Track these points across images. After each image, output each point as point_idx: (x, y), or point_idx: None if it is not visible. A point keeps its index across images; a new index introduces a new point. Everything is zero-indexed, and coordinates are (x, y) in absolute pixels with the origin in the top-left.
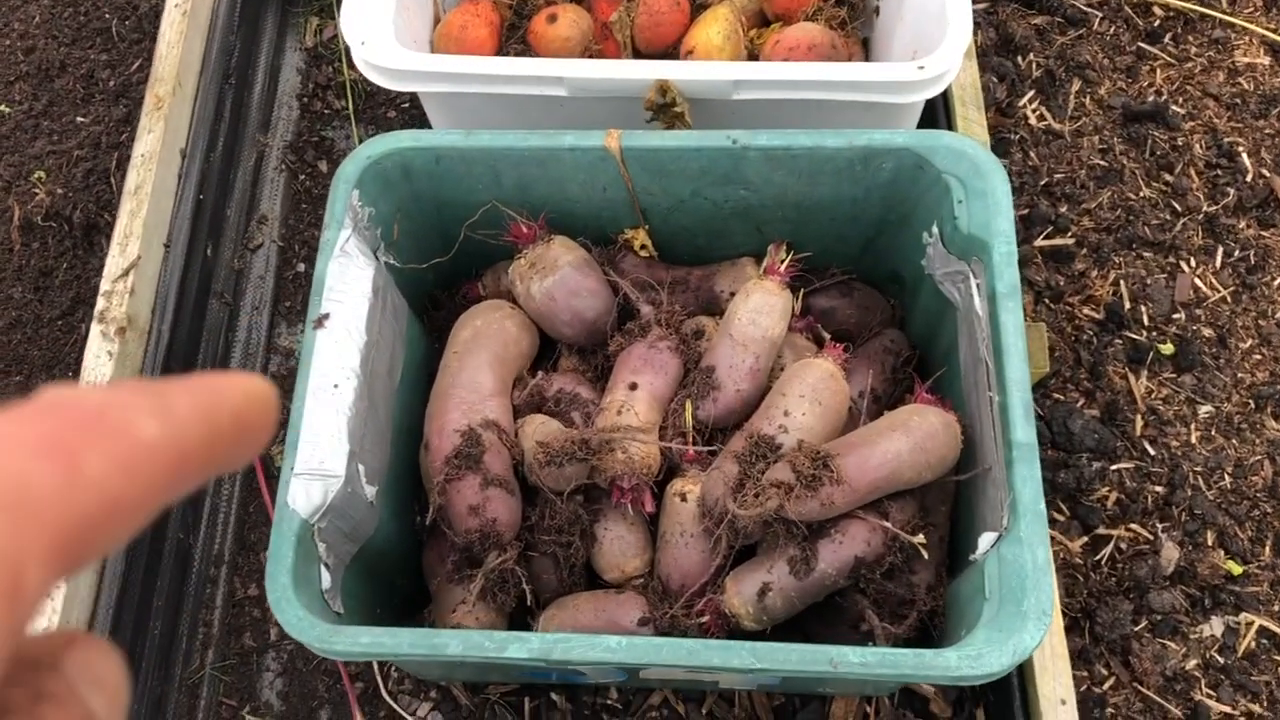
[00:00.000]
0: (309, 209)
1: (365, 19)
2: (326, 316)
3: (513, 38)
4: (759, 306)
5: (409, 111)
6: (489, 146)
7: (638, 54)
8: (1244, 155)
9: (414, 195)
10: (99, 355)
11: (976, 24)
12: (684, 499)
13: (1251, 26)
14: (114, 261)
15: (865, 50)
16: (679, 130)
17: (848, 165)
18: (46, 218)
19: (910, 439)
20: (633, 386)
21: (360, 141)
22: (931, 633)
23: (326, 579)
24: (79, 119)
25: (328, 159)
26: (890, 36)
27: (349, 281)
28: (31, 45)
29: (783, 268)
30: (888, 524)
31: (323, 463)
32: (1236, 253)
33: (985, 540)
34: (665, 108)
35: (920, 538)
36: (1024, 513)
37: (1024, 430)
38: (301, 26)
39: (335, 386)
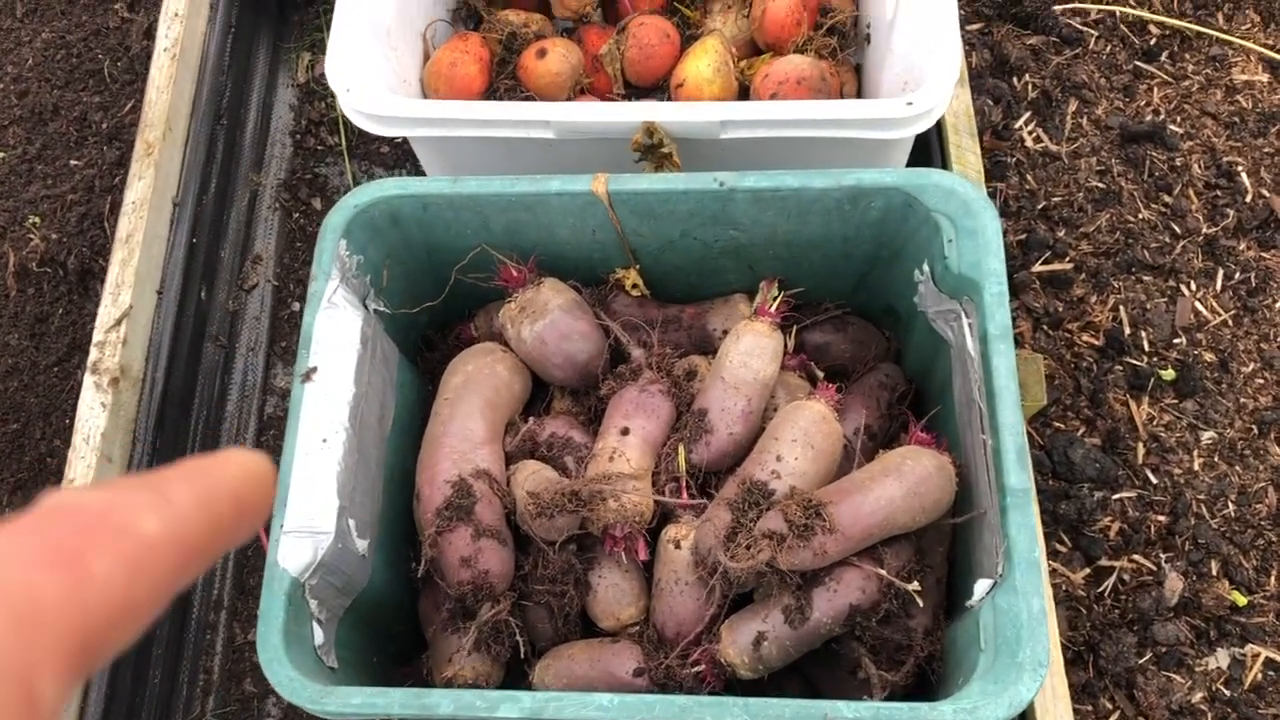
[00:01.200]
0: (303, 247)
1: (351, 65)
2: (314, 370)
3: (503, 73)
4: (750, 349)
5: (402, 146)
6: (476, 193)
7: (629, 86)
8: (1243, 175)
9: (403, 241)
10: (92, 407)
11: (971, 44)
12: (678, 546)
13: (1247, 44)
14: (106, 311)
15: (858, 77)
16: (666, 172)
17: (836, 205)
18: (41, 263)
19: (904, 484)
20: (625, 431)
21: (354, 178)
22: (930, 678)
23: (319, 635)
24: (72, 162)
25: (321, 196)
26: (881, 65)
27: (336, 333)
28: (25, 89)
29: (774, 308)
30: (882, 571)
31: (312, 519)
32: (1237, 275)
33: (980, 587)
34: (653, 149)
35: (915, 585)
36: (1019, 561)
37: (1017, 475)
38: (293, 62)
39: (324, 441)
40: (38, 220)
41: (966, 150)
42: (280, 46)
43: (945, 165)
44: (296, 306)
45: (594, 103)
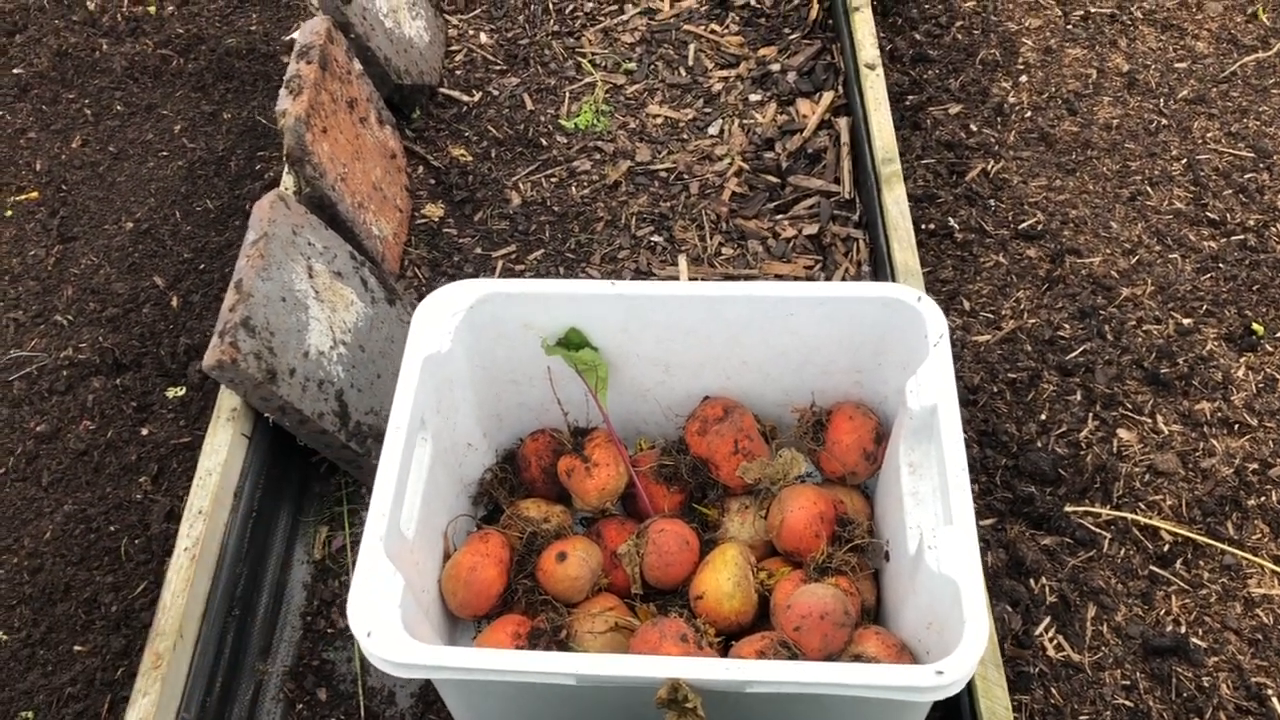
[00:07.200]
0: None
1: (372, 611)
2: None
3: (522, 572)
4: None
5: None
6: None
7: (647, 588)
8: (1274, 700)
9: None
10: None
11: (986, 542)
12: None
13: (1254, 559)
14: None
15: (876, 585)
16: None
17: None
18: None
19: None
20: None
21: (362, 667)
22: None
23: None
24: (76, 648)
25: (327, 685)
26: (904, 598)
27: None
28: (39, 565)
29: None
30: None
31: None
32: None
33: None
34: (676, 703)
35: None
36: None
37: None
38: (311, 536)
39: None
40: (30, 716)
41: (994, 684)
42: (299, 520)
43: (972, 698)
44: None
45: (616, 656)
